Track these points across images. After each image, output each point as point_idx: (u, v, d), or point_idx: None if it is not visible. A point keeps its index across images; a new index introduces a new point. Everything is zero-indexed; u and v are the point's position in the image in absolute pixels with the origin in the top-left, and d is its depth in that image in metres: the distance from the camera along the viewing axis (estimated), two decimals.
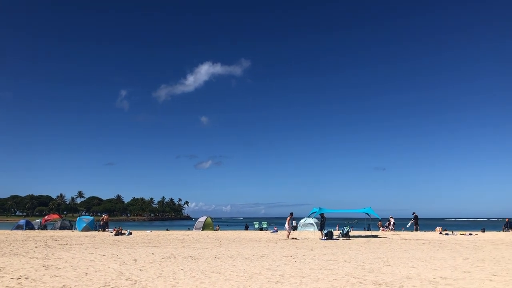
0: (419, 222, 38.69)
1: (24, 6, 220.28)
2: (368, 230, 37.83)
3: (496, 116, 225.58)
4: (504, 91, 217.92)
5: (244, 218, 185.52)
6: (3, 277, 10.40)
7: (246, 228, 44.90)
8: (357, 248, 19.21)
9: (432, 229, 39.60)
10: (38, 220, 46.19)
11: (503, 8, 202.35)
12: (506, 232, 35.02)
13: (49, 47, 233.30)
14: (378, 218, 32.46)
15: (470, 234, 31.82)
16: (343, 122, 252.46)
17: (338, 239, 25.67)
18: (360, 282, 9.61)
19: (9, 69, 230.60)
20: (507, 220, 38.02)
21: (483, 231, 35.36)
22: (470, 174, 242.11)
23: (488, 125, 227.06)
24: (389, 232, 34.90)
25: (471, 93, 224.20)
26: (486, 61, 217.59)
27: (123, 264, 13.20)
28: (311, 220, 37.13)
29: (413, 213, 38.95)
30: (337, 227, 40.71)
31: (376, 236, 28.65)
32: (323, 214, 27.67)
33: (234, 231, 40.79)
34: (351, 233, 28.70)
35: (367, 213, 29.71)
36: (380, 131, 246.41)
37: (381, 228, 38.17)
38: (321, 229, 27.14)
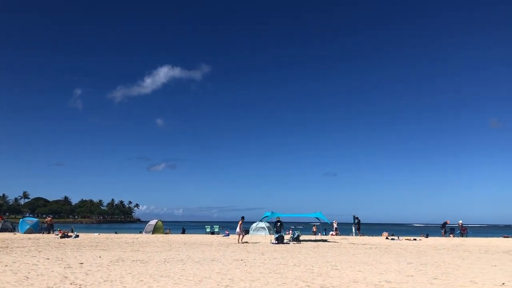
0: (361, 226, 40.02)
1: None
2: (315, 234, 38.72)
3: (435, 120, 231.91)
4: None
5: (197, 221, 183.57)
6: None
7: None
8: (306, 252, 19.53)
9: (379, 234, 40.87)
10: None
11: None
12: (447, 238, 36.76)
13: None
14: (328, 222, 33.14)
15: (415, 239, 33.18)
16: (295, 129, 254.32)
17: (288, 243, 25.97)
18: (309, 286, 9.77)
19: None
20: (447, 222, 40.03)
21: (427, 237, 37.02)
22: (416, 180, 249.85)
23: (423, 130, 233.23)
24: (338, 236, 35.73)
25: (420, 98, 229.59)
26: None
27: (68, 267, 12.74)
28: (262, 224, 37.32)
29: (356, 217, 39.83)
30: (290, 231, 41.21)
31: (325, 241, 29.27)
32: (279, 218, 27.81)
33: (185, 234, 40.36)
34: (301, 238, 29.11)
35: (317, 218, 30.33)
36: (331, 137, 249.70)
37: (331, 233, 39.00)
38: (278, 233, 27.05)
